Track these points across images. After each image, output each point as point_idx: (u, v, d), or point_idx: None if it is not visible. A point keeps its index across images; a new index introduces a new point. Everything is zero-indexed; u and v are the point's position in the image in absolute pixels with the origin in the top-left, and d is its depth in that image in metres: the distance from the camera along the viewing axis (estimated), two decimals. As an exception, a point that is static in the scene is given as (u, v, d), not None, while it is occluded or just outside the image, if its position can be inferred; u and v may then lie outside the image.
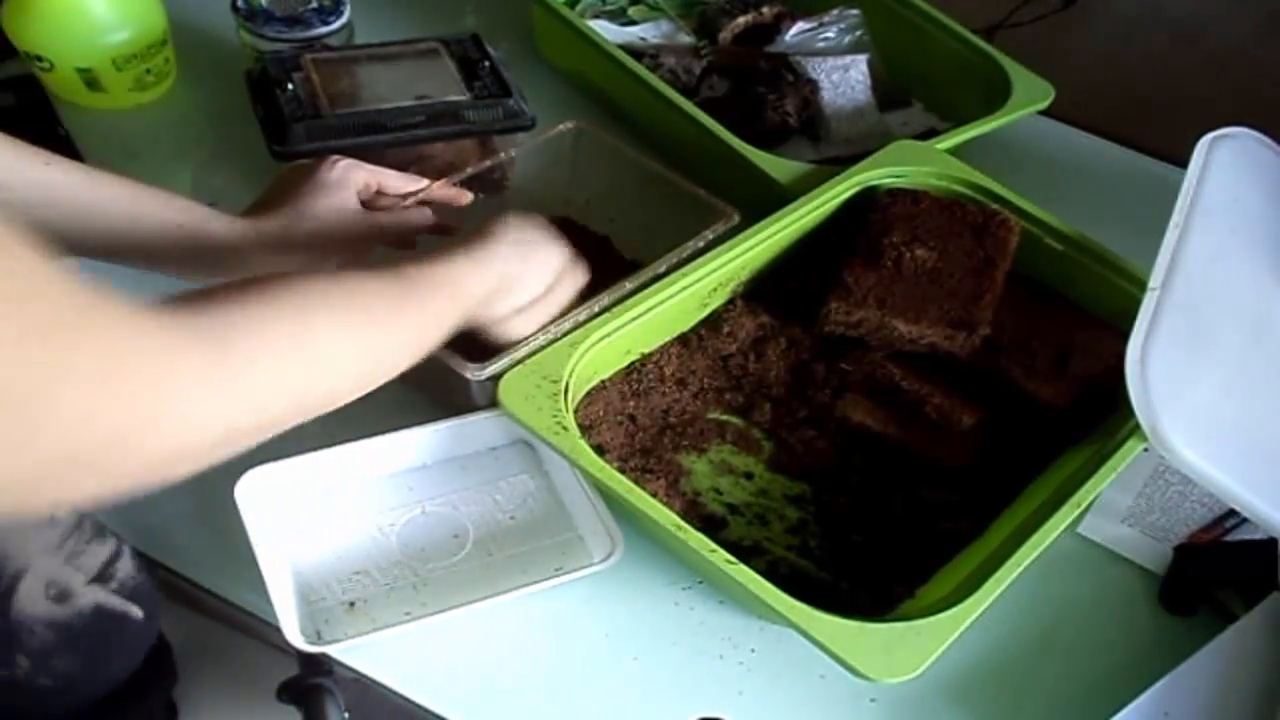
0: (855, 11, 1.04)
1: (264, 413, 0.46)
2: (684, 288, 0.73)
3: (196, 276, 0.67)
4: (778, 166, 0.85)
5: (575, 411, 0.69)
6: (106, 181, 0.63)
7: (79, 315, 0.35)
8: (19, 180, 0.60)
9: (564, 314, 0.70)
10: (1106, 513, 0.74)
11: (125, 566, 0.56)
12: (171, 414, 0.40)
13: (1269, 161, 0.81)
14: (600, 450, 0.70)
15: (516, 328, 0.68)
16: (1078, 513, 0.64)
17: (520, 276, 0.66)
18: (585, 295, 0.72)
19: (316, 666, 0.62)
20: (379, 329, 0.54)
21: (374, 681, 0.62)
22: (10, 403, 0.32)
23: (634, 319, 0.71)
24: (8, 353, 0.32)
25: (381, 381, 0.55)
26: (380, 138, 0.82)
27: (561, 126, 0.84)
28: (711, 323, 0.79)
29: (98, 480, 0.39)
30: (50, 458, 0.35)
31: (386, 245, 0.74)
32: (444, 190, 0.76)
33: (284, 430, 0.48)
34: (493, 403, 0.69)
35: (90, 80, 0.90)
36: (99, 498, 0.40)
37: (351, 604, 0.64)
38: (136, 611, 0.56)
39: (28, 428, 0.34)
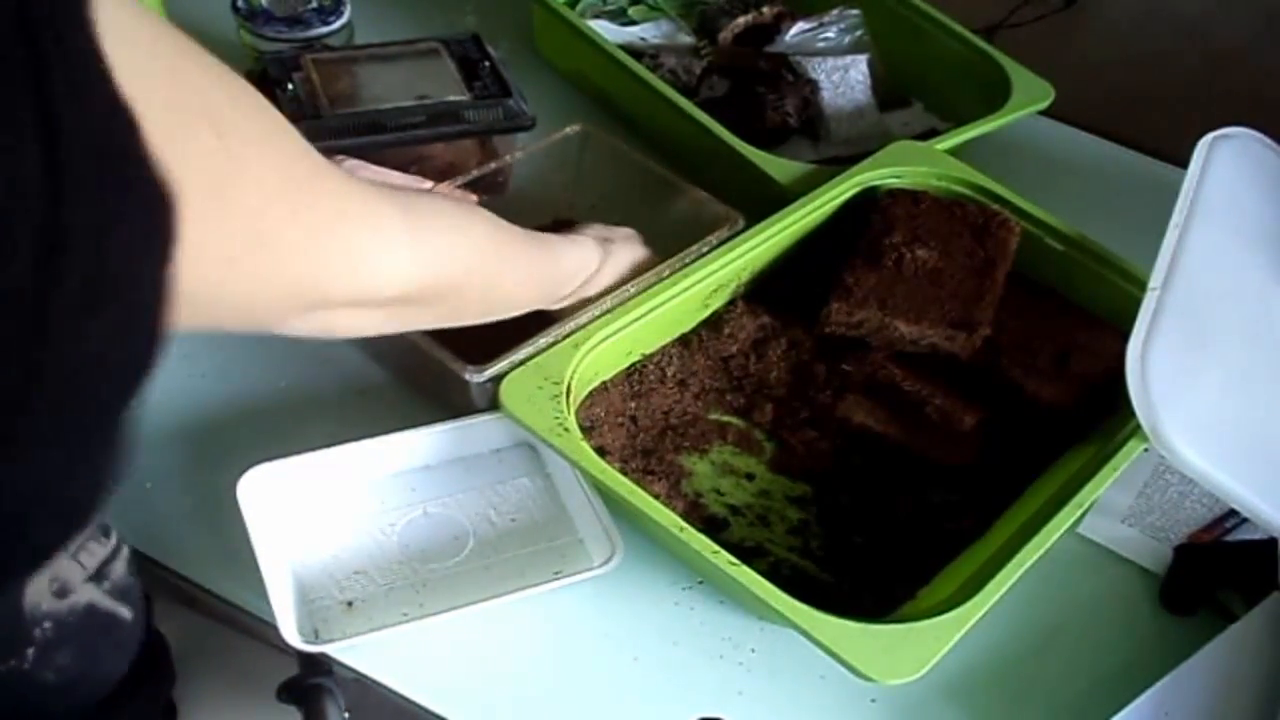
0: (855, 11, 1.04)
1: (435, 276, 0.53)
2: (685, 289, 0.74)
3: None
4: (778, 167, 0.85)
5: (576, 413, 0.69)
6: None
7: (306, 152, 0.42)
8: None
9: (615, 286, 0.73)
10: (1107, 513, 0.74)
11: (119, 568, 0.56)
12: (371, 252, 0.47)
13: (1269, 161, 0.82)
14: (601, 452, 0.70)
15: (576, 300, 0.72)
16: (1079, 514, 0.64)
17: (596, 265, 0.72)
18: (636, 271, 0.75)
19: (316, 666, 0.62)
20: (512, 252, 0.64)
21: (374, 681, 0.62)
22: (250, 211, 0.38)
23: (635, 320, 0.71)
24: (250, 154, 0.37)
25: (500, 307, 0.65)
26: (380, 138, 0.82)
27: (567, 129, 0.84)
28: (712, 324, 0.79)
29: (305, 307, 0.46)
30: (268, 274, 0.41)
31: None
32: (448, 193, 0.76)
33: (440, 312, 0.58)
34: (492, 404, 0.69)
35: (90, 80, 0.90)
36: (296, 327, 0.47)
37: (350, 604, 0.64)
38: (125, 612, 0.56)
39: (256, 239, 0.39)
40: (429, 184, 0.75)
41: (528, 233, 0.66)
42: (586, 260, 0.71)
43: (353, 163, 0.72)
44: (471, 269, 0.58)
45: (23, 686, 0.52)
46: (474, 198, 0.77)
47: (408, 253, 0.50)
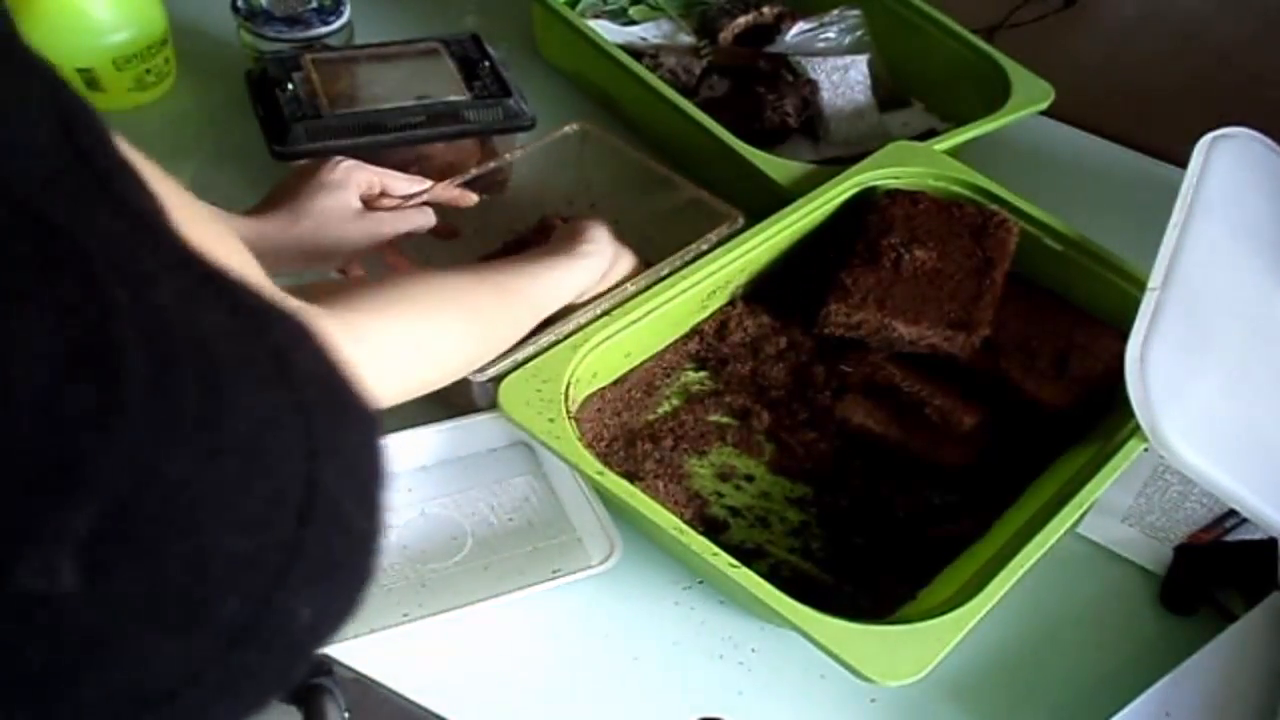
0: (855, 11, 1.04)
1: (378, 385, 0.49)
2: (684, 289, 0.73)
3: None
4: (777, 167, 0.85)
5: (575, 415, 0.69)
6: None
7: None
8: None
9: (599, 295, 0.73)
10: (1107, 513, 0.74)
11: None
12: None
13: (1269, 161, 0.81)
14: (600, 453, 0.70)
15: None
16: (1079, 514, 0.64)
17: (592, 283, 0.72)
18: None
19: (316, 666, 0.62)
20: (479, 324, 0.63)
21: (374, 681, 0.62)
22: None
23: (634, 321, 0.71)
24: None
25: (484, 361, 0.65)
26: (380, 138, 0.82)
27: (567, 128, 0.84)
28: (711, 325, 0.79)
29: None
30: None
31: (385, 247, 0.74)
32: (447, 191, 0.76)
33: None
34: (494, 404, 0.69)
35: (90, 80, 0.90)
36: None
37: (351, 605, 0.64)
38: None
39: None
40: (430, 184, 0.75)
41: (507, 288, 0.66)
42: (585, 284, 0.71)
43: (352, 163, 0.72)
44: (428, 366, 0.58)
45: None
46: (474, 198, 0.77)
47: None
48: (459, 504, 0.70)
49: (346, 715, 0.62)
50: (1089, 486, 0.65)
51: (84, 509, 0.21)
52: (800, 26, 1.03)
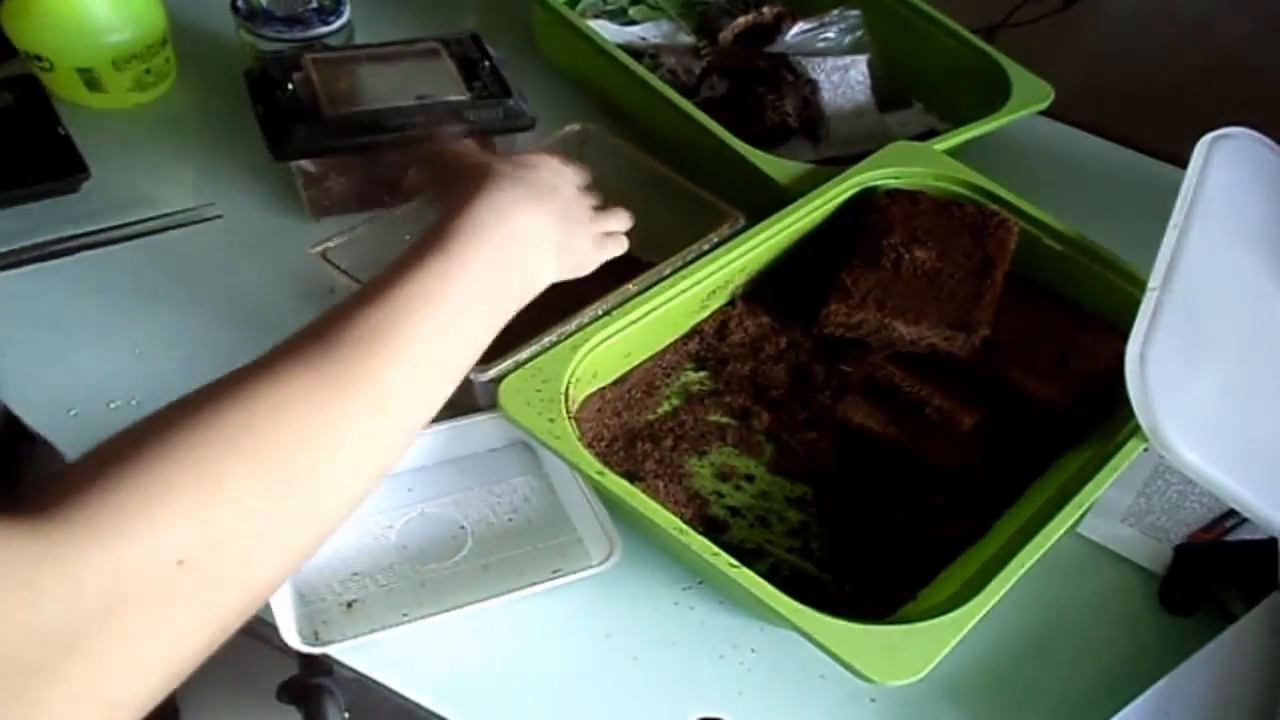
0: (855, 12, 1.04)
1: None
2: (684, 290, 0.73)
3: None
4: (777, 167, 0.85)
5: (575, 415, 0.69)
6: None
7: None
8: None
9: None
10: (1106, 513, 0.74)
11: None
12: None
13: (1269, 161, 0.82)
14: (600, 454, 0.70)
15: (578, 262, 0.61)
16: (1079, 514, 0.64)
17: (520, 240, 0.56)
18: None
19: (316, 666, 0.62)
20: (313, 452, 0.42)
21: (374, 681, 0.62)
22: None
23: (634, 322, 0.71)
24: None
25: (369, 487, 0.46)
26: (380, 138, 0.82)
27: (567, 129, 0.84)
28: (711, 325, 0.79)
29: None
30: None
31: None
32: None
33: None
34: (494, 404, 0.69)
35: (90, 80, 0.90)
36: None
37: (350, 605, 0.64)
38: None
39: None
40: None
41: (345, 341, 0.47)
42: (491, 269, 0.53)
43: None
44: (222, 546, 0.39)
45: None
46: None
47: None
48: (459, 504, 0.70)
49: (346, 715, 0.62)
50: (1089, 486, 0.65)
51: None
52: (800, 26, 1.03)
